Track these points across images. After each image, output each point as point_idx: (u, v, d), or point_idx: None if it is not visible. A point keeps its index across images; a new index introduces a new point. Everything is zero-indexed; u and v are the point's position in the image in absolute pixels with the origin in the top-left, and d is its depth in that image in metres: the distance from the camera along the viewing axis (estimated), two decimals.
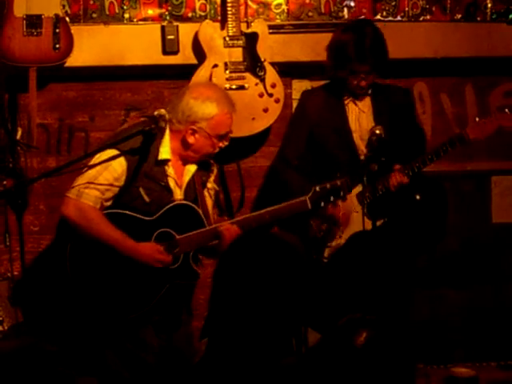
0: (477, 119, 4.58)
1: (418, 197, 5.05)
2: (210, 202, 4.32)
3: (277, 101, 4.89)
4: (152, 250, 4.06)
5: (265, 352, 2.90)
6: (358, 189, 4.51)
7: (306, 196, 4.14)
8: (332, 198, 4.14)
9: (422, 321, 5.23)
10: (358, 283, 4.45)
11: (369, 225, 4.37)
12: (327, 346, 3.23)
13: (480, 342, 5.26)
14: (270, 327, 3.10)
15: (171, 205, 4.11)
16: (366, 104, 4.60)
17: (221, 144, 4.16)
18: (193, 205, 4.15)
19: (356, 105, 4.58)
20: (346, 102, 4.57)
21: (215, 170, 4.37)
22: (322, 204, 4.15)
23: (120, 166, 4.05)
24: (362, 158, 4.53)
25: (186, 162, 4.21)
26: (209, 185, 4.32)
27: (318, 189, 4.13)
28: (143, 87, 5.06)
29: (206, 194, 4.29)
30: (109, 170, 4.04)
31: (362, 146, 4.55)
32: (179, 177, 4.19)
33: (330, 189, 4.13)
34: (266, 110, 4.88)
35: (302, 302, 4.09)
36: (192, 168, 4.22)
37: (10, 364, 2.93)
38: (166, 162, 4.12)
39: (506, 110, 4.58)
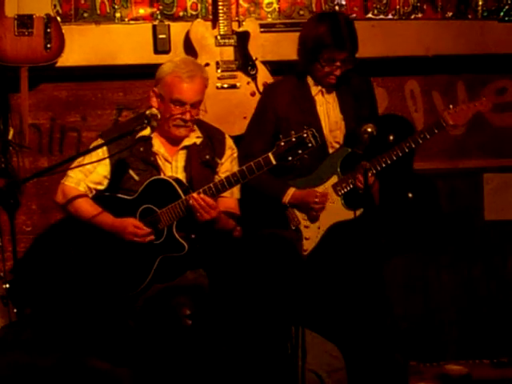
0: (451, 106, 4.53)
1: (410, 195, 5.06)
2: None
3: None
4: (126, 223, 4.12)
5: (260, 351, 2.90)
6: (334, 180, 4.50)
7: (269, 152, 4.01)
8: (300, 152, 3.97)
9: (414, 318, 5.24)
10: (341, 275, 4.44)
11: (347, 215, 4.39)
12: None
13: (473, 339, 5.26)
14: (270, 323, 3.09)
15: (148, 181, 4.16)
16: (331, 95, 4.58)
17: (175, 110, 4.13)
18: (168, 178, 4.17)
19: (323, 96, 4.57)
20: (314, 94, 4.56)
21: (229, 151, 4.34)
22: (290, 158, 3.97)
23: (101, 149, 4.17)
24: (331, 150, 4.53)
25: (172, 138, 4.23)
26: (221, 168, 4.29)
27: (282, 143, 3.98)
28: (135, 86, 5.06)
29: (216, 177, 4.23)
30: (91, 153, 4.16)
31: (330, 138, 4.54)
32: (171, 153, 4.24)
33: (296, 142, 3.96)
34: None
35: (299, 297, 4.07)
36: (186, 143, 4.24)
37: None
38: (147, 139, 4.15)
39: (483, 97, 4.59)
